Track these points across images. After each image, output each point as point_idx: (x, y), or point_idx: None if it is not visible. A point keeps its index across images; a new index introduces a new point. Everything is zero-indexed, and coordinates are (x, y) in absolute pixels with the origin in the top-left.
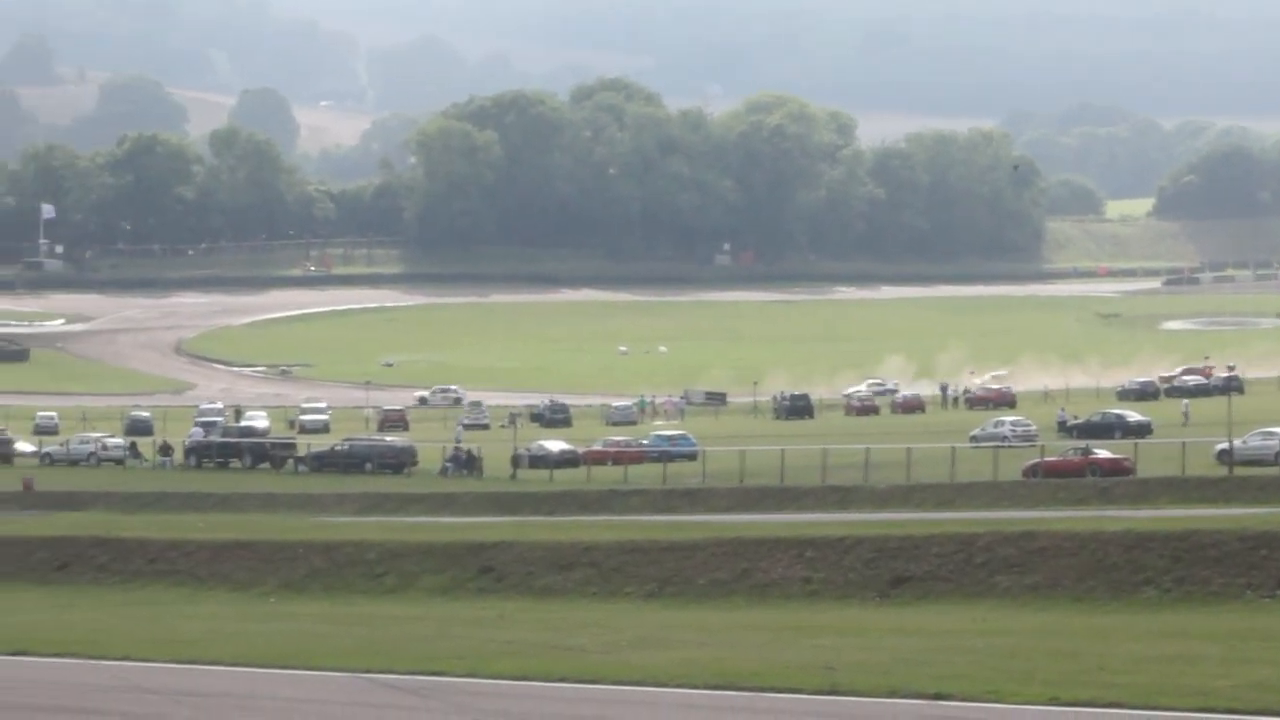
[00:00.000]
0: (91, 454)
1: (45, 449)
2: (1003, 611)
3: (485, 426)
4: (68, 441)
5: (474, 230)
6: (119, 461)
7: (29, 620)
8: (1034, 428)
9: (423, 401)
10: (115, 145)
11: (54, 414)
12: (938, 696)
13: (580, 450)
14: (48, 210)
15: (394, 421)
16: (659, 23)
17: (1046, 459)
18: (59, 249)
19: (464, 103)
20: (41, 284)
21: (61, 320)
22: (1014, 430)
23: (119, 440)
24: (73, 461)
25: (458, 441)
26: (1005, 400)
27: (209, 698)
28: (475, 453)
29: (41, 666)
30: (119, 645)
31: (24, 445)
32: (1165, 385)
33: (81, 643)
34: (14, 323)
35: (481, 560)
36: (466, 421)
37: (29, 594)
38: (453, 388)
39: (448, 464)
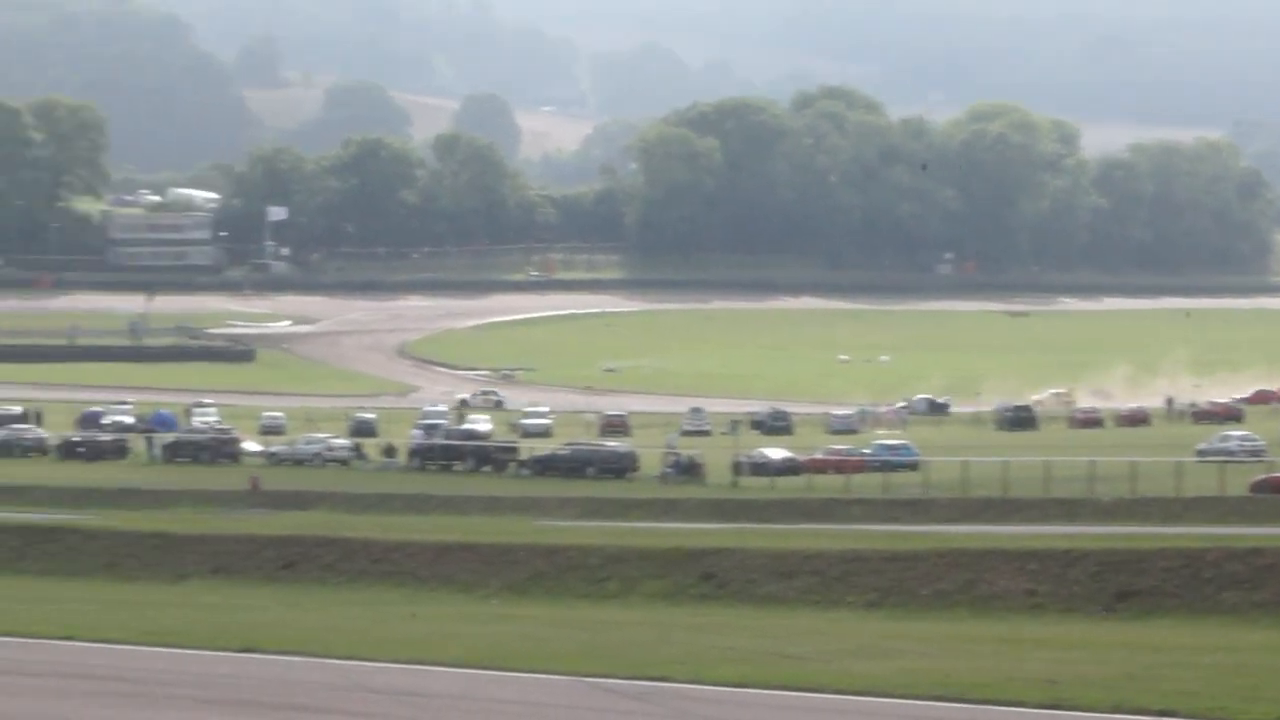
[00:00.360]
0: (317, 454)
1: (272, 449)
2: (1230, 628)
3: (706, 433)
4: (294, 442)
5: (694, 236)
6: (344, 462)
7: (257, 618)
8: (1262, 443)
9: (464, 403)
10: (340, 149)
11: (280, 414)
12: (1164, 713)
13: (801, 458)
14: (275, 213)
15: (615, 426)
16: (882, 30)
17: (1275, 474)
18: (285, 251)
19: (685, 109)
20: (268, 286)
21: (287, 322)
22: (1242, 445)
23: (344, 441)
24: (298, 461)
25: (670, 448)
26: (1232, 415)
27: (431, 698)
28: (696, 459)
29: (269, 664)
30: (344, 644)
31: (251, 445)
32: None
33: (307, 641)
34: (241, 324)
35: (703, 566)
36: (687, 428)
37: (257, 591)
38: (495, 391)
39: (668, 470)
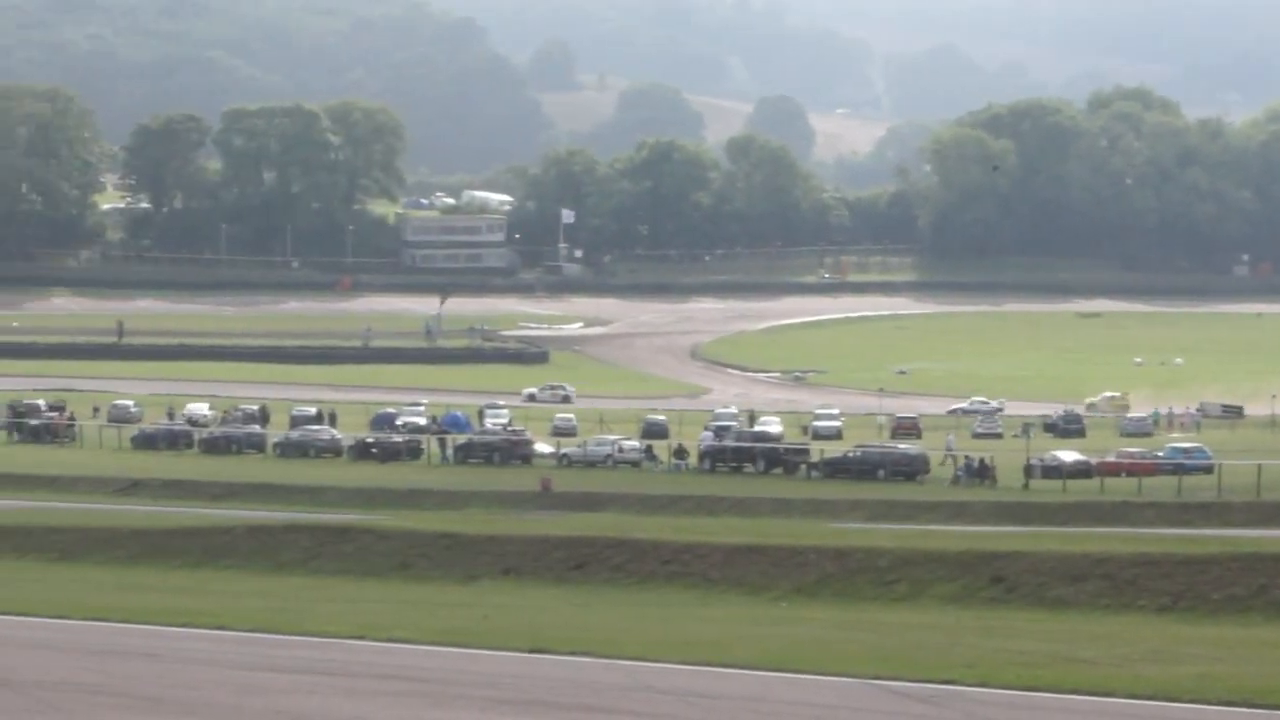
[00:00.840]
0: (608, 456)
1: (563, 450)
2: None
3: (998, 435)
4: (585, 443)
5: (988, 238)
6: (635, 464)
7: (547, 619)
8: None
9: (532, 399)
10: (633, 151)
11: (572, 416)
12: None
13: (1094, 461)
14: (567, 215)
15: (906, 429)
16: (1177, 29)
17: None
18: (578, 253)
19: (980, 110)
20: (561, 287)
21: (580, 323)
22: None
23: (635, 443)
24: (590, 463)
25: (949, 450)
26: None
27: (719, 700)
28: (988, 462)
29: (558, 664)
30: (633, 645)
31: (543, 446)
32: None
33: (597, 642)
34: (534, 325)
35: (993, 569)
36: (978, 430)
37: (547, 592)
38: (564, 385)
39: (959, 473)
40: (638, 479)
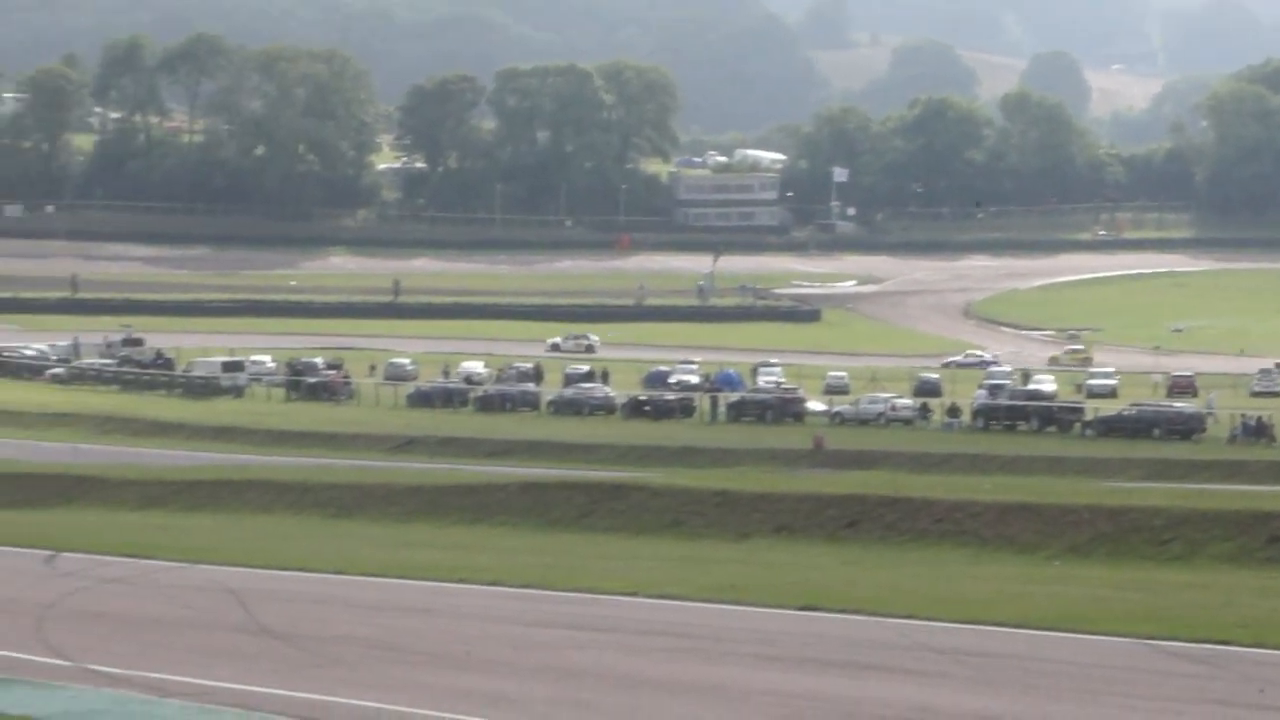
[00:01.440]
0: (881, 414)
1: (836, 408)
2: None
3: (1278, 394)
4: (858, 401)
5: (1267, 194)
6: (908, 422)
7: (819, 576)
8: None
9: (555, 348)
10: (906, 109)
11: (844, 374)
12: None
13: None
14: (840, 173)
15: (1183, 387)
16: None
17: None
18: (851, 211)
19: (1259, 65)
20: (833, 246)
21: (852, 282)
22: None
23: (908, 401)
24: (862, 421)
25: (1210, 408)
26: None
27: (989, 658)
28: (1265, 420)
29: (830, 622)
30: (904, 603)
31: (815, 404)
32: None
33: (868, 600)
34: (806, 284)
35: (1270, 529)
36: (1256, 388)
37: (819, 550)
38: (588, 335)
39: (1236, 431)
40: (910, 437)
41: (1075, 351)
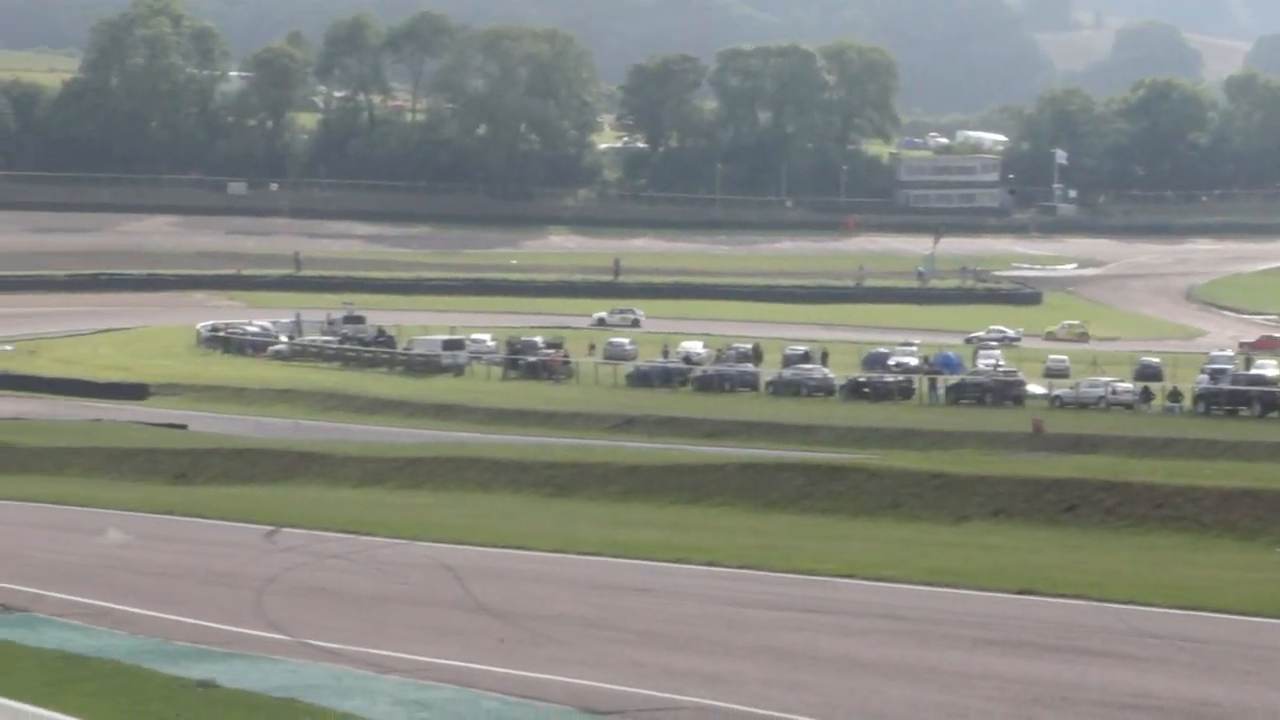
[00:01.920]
0: (1101, 398)
1: (1056, 392)
2: None
3: None
4: (1078, 385)
5: None
6: (1128, 406)
7: (1037, 560)
8: None
9: (601, 322)
10: (1129, 91)
11: (1065, 357)
12: None
13: None
14: (1062, 155)
15: None
16: None
17: None
18: (1072, 194)
19: None
20: (1054, 228)
21: (1073, 264)
22: None
23: (1129, 385)
24: (1082, 405)
25: None
26: None
27: (1209, 644)
28: None
29: (1047, 606)
30: (1122, 588)
31: (1035, 388)
32: None
33: (1086, 584)
34: (1026, 266)
35: None
36: None
37: (1037, 534)
38: (633, 309)
39: None
40: (1131, 421)
41: (1072, 327)
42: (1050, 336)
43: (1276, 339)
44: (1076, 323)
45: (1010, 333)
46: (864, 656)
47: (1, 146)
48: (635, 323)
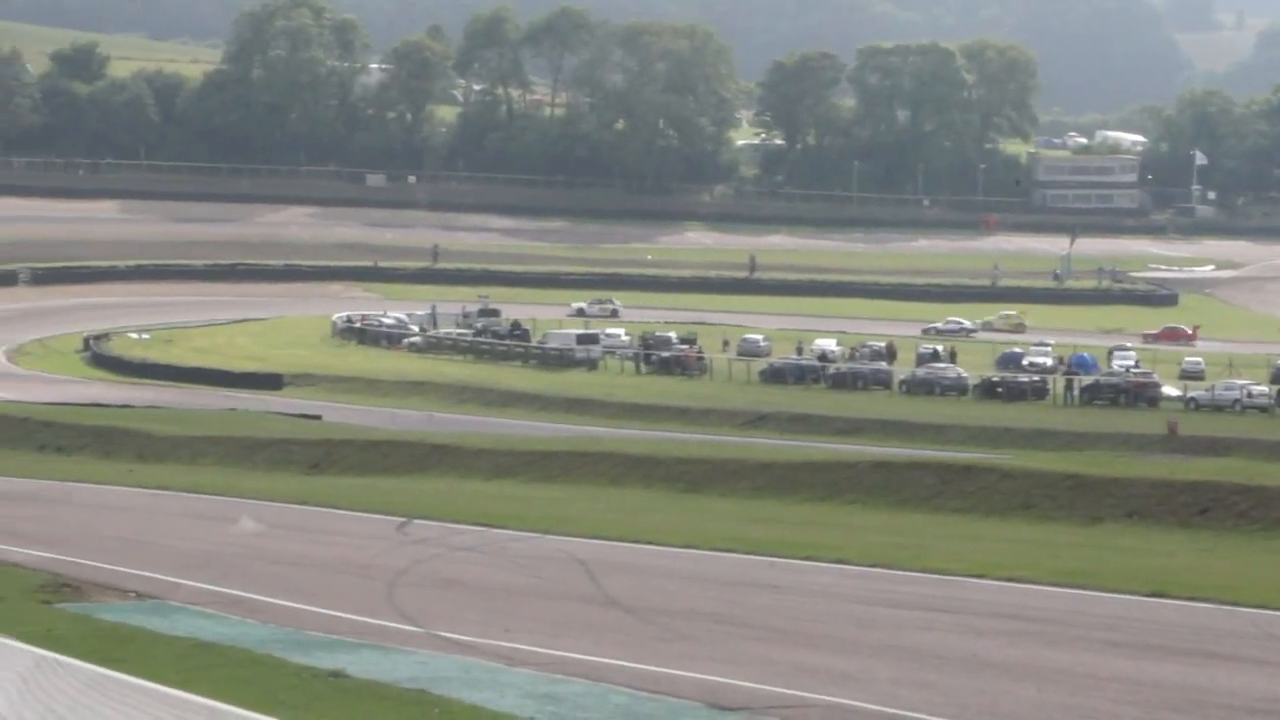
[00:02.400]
0: (1236, 401)
1: (1190, 394)
2: None
3: None
4: (1213, 387)
5: None
6: (1263, 409)
7: (1170, 563)
8: None
9: (580, 312)
10: (1270, 92)
11: (1200, 360)
12: None
13: None
14: (1201, 157)
15: None
16: None
17: None
18: (1211, 195)
19: None
20: (1192, 230)
21: (1210, 266)
22: None
23: (1264, 388)
24: (1217, 407)
25: None
26: None
27: None
28: None
29: (1179, 609)
30: (1256, 592)
31: (1170, 389)
32: None
33: (1219, 588)
34: (1164, 267)
35: None
36: None
37: (1170, 536)
38: (611, 300)
39: None
40: (1266, 424)
41: (1009, 317)
42: (987, 326)
43: (1181, 329)
44: (1013, 313)
45: (967, 324)
46: (993, 657)
47: (144, 137)
48: (614, 313)
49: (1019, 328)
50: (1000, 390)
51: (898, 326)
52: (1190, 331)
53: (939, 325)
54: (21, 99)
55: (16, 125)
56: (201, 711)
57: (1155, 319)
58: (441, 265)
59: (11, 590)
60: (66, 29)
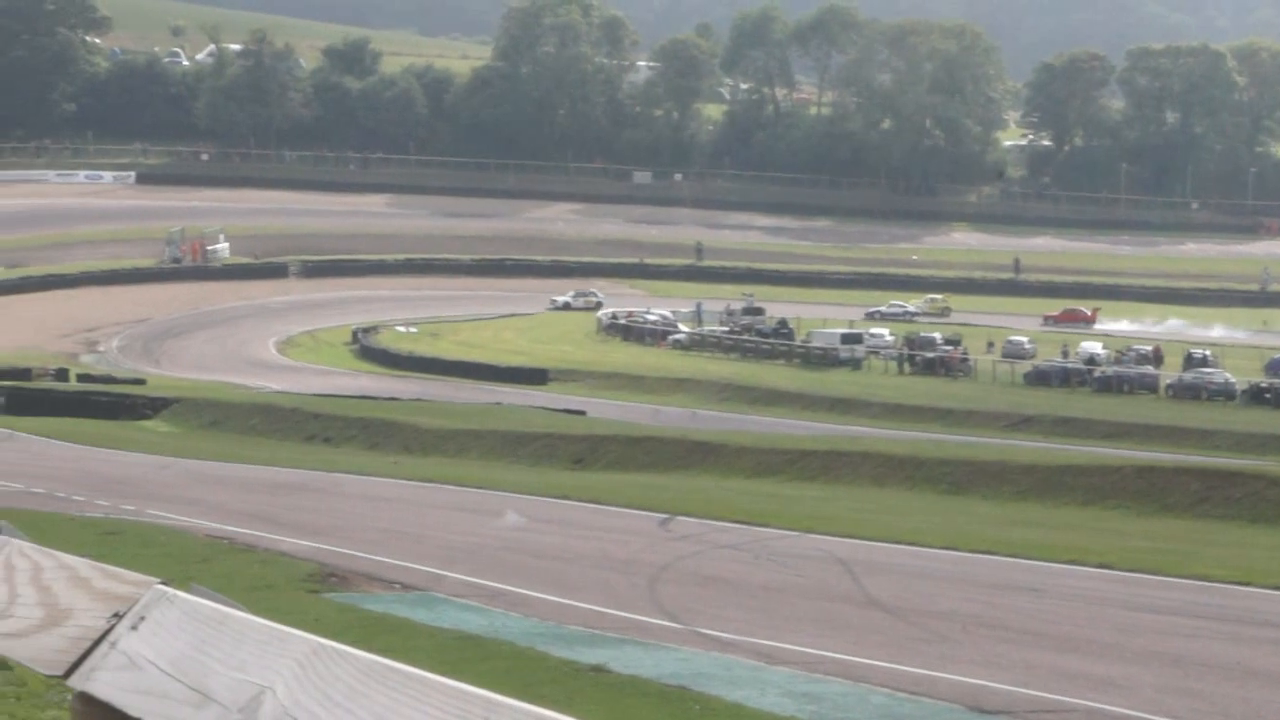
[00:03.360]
0: None
1: None
2: None
3: None
4: None
5: None
6: None
7: None
8: None
9: (567, 306)
10: None
11: None
12: None
13: None
14: None
15: None
16: None
17: None
18: None
19: None
20: None
21: None
22: None
23: None
24: None
25: None
26: None
27: None
28: None
29: None
30: None
31: None
32: None
33: None
34: None
35: None
36: None
37: None
38: (595, 292)
39: None
40: None
41: (935, 301)
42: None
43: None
44: (939, 297)
45: (910, 307)
46: (1261, 666)
47: (413, 132)
48: (598, 305)
49: (946, 310)
50: (1268, 396)
51: (1162, 330)
52: (1090, 314)
53: (882, 309)
54: (294, 93)
55: (289, 119)
56: (478, 702)
57: None
58: (706, 263)
59: (280, 579)
60: (339, 24)
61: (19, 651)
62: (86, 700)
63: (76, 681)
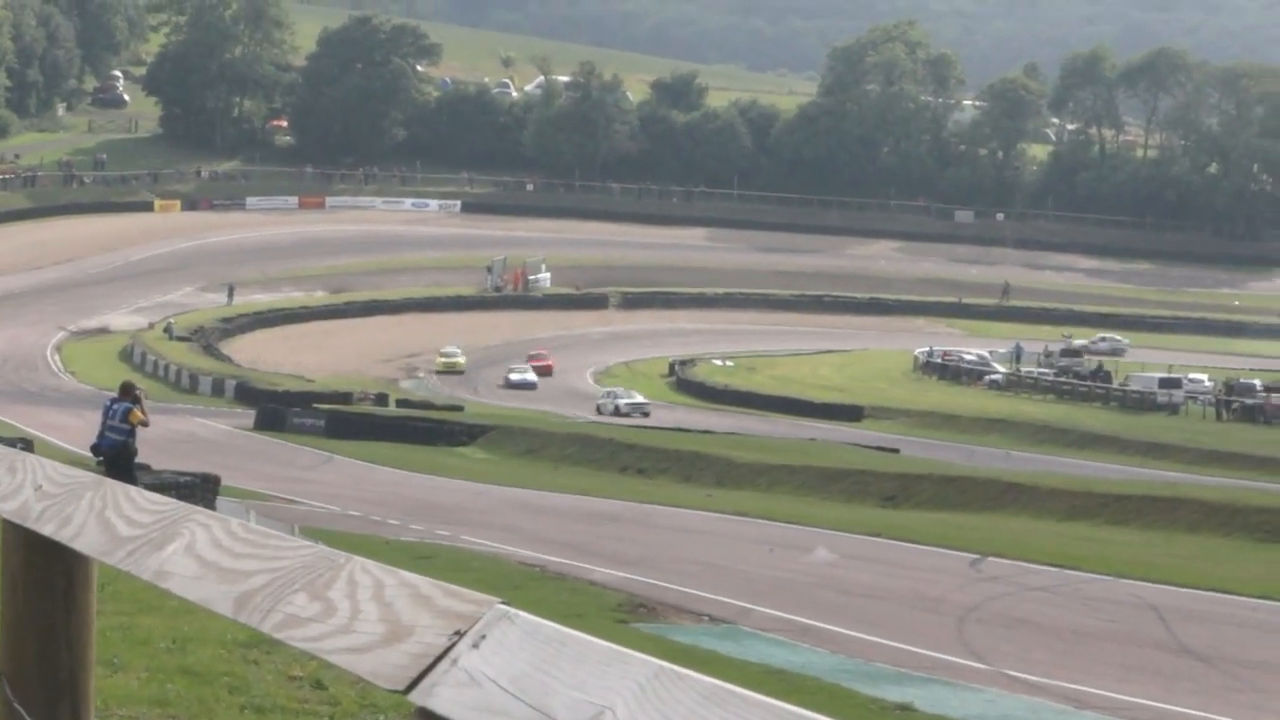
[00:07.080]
0: None
1: None
2: None
3: None
4: None
5: None
6: None
7: None
8: None
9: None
10: None
11: None
12: None
13: None
14: None
15: None
16: None
17: None
18: None
19: None
20: None
21: None
22: None
23: None
24: None
25: None
26: None
27: None
28: None
29: None
30: None
31: None
32: None
33: None
34: None
35: None
36: None
37: None
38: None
39: None
40: None
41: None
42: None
43: None
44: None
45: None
46: None
47: (736, 165)
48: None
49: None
50: None
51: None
52: None
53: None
54: (620, 125)
55: (614, 151)
56: None
57: None
58: (1024, 303)
59: (591, 608)
60: (668, 58)
61: (360, 666)
62: (426, 715)
63: (417, 697)
